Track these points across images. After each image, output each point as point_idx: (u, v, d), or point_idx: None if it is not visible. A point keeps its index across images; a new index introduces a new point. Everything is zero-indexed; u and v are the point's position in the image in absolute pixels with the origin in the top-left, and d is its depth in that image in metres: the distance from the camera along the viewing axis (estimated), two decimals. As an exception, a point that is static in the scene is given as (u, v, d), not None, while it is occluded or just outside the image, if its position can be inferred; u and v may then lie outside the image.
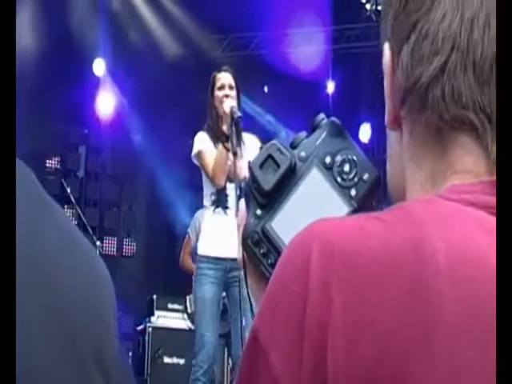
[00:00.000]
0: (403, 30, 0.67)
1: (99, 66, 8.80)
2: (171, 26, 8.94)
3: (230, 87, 4.19)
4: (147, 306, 6.68)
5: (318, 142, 0.78)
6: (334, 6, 8.54)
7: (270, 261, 0.77)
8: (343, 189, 0.76)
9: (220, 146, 4.12)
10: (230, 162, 4.07)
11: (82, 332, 0.56)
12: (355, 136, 8.74)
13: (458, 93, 0.63)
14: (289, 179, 0.77)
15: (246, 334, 3.93)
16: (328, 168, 0.77)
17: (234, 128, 4.00)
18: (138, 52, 8.57)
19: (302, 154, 0.77)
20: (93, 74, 8.79)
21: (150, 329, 6.42)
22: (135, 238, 9.19)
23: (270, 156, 0.77)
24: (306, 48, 8.88)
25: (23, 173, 0.59)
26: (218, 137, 4.16)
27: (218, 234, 4.18)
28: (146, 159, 8.83)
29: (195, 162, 4.28)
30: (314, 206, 0.76)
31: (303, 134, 0.79)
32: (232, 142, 3.98)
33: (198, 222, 5.51)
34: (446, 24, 0.64)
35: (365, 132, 9.00)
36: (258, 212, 0.77)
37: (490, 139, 0.63)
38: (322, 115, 0.80)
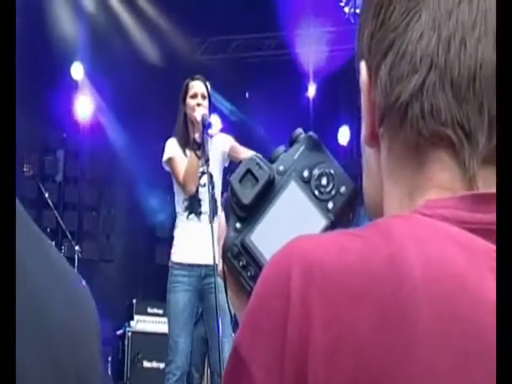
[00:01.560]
0: (380, 49, 0.68)
1: (77, 70, 8.77)
2: (150, 29, 8.93)
3: (203, 96, 4.21)
4: (126, 311, 6.66)
5: (296, 156, 0.79)
6: (314, 9, 8.57)
7: (249, 273, 0.78)
8: (321, 202, 0.77)
9: (192, 153, 4.14)
10: (201, 169, 4.10)
11: (66, 352, 0.57)
12: (334, 139, 8.78)
13: (436, 110, 0.64)
14: (267, 193, 0.78)
15: (225, 340, 3.94)
16: (306, 181, 0.78)
17: (206, 135, 4.03)
18: (116, 55, 8.55)
19: (281, 167, 0.79)
20: (71, 77, 8.76)
21: (130, 333, 6.41)
22: (114, 242, 9.15)
23: (248, 170, 0.78)
24: (286, 50, 8.91)
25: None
26: (188, 144, 4.18)
27: (191, 240, 4.17)
28: (124, 163, 8.81)
29: (166, 167, 4.29)
30: (292, 218, 0.78)
31: (282, 148, 0.81)
32: (204, 149, 4.01)
33: None
34: (424, 43, 0.65)
35: (343, 135, 9.04)
36: (238, 225, 0.79)
37: (467, 155, 0.64)
38: (299, 130, 0.81)
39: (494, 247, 0.60)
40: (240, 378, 0.60)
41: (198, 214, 4.19)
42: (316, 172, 0.78)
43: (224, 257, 0.80)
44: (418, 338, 0.55)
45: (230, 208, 0.80)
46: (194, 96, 4.21)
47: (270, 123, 8.59)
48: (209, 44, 9.20)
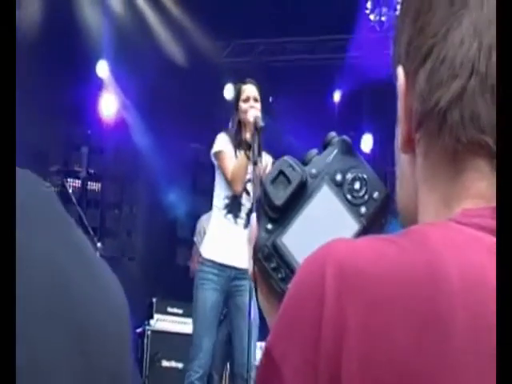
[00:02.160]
0: (419, 54, 0.67)
1: (103, 68, 8.82)
2: (175, 30, 8.95)
3: (255, 99, 4.26)
4: (146, 309, 6.67)
5: (328, 160, 0.79)
6: (340, 15, 8.54)
7: (280, 275, 0.78)
8: (353, 206, 0.77)
9: (242, 153, 4.15)
10: (249, 172, 4.11)
11: (99, 351, 0.56)
12: (357, 146, 8.75)
13: (476, 117, 0.64)
14: (300, 195, 0.78)
15: (251, 344, 3.93)
16: (338, 185, 0.78)
17: (256, 137, 4.05)
18: (141, 55, 8.59)
19: (313, 170, 0.79)
20: (96, 75, 8.81)
21: (149, 332, 6.42)
22: (136, 240, 9.19)
23: (281, 172, 0.78)
24: (310, 56, 8.89)
25: (42, 187, 0.59)
26: (239, 143, 4.21)
27: (225, 239, 4.16)
28: (147, 161, 8.84)
29: (213, 160, 4.29)
30: (323, 222, 0.78)
31: (314, 150, 0.81)
32: (254, 151, 4.03)
33: (202, 228, 5.47)
34: (465, 49, 0.64)
35: (367, 142, 9.00)
36: (269, 227, 0.79)
37: None
38: (333, 133, 0.81)
39: None
40: (272, 380, 0.60)
41: (236, 216, 4.19)
42: (349, 176, 0.78)
43: (255, 258, 0.80)
44: (454, 347, 0.55)
45: (261, 209, 0.79)
46: (247, 99, 4.26)
47: (292, 129, 8.58)
48: (233, 47, 9.21)
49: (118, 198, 9.31)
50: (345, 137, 0.80)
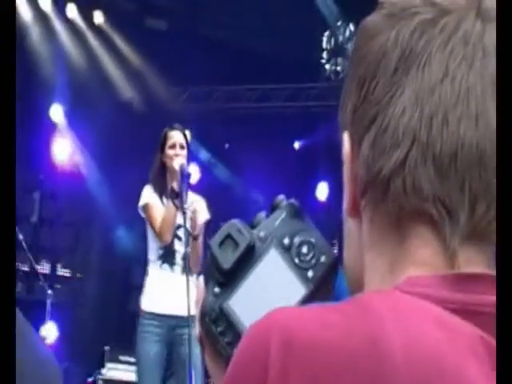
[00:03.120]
0: (363, 122, 0.68)
1: (56, 112, 8.77)
2: (131, 75, 8.97)
3: (181, 147, 4.23)
4: (98, 358, 6.55)
5: (277, 223, 0.79)
6: (296, 64, 8.68)
7: (227, 339, 0.77)
8: (301, 270, 0.77)
9: (170, 202, 4.12)
10: (178, 222, 4.09)
11: None
12: (312, 194, 8.81)
13: (418, 186, 0.65)
14: (247, 259, 0.78)
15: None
16: (286, 249, 0.78)
17: (184, 185, 4.03)
18: (96, 99, 8.58)
19: (261, 234, 0.79)
20: (49, 119, 8.75)
21: (101, 381, 6.29)
22: (88, 286, 9.05)
23: (229, 235, 0.78)
24: (266, 104, 8.98)
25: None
26: (164, 192, 4.18)
27: (163, 289, 4.14)
28: (101, 206, 8.77)
29: (141, 213, 4.27)
30: (271, 286, 0.77)
31: (262, 214, 0.81)
32: (181, 198, 4.01)
33: None
34: (406, 119, 0.65)
35: (322, 190, 9.08)
36: (217, 290, 0.78)
37: (448, 232, 0.64)
38: (281, 196, 0.81)
39: (474, 329, 0.60)
40: None
41: (171, 264, 4.17)
42: (297, 240, 0.78)
43: (202, 321, 0.79)
44: None
45: (209, 272, 0.79)
46: (173, 146, 4.22)
47: (248, 175, 8.62)
48: (190, 93, 9.26)
49: (70, 244, 9.18)
50: (292, 200, 0.81)
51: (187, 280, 3.83)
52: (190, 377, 3.87)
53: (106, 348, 6.53)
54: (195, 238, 4.07)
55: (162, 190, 4.20)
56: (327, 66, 8.97)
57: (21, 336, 0.62)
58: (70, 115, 8.71)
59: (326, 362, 0.58)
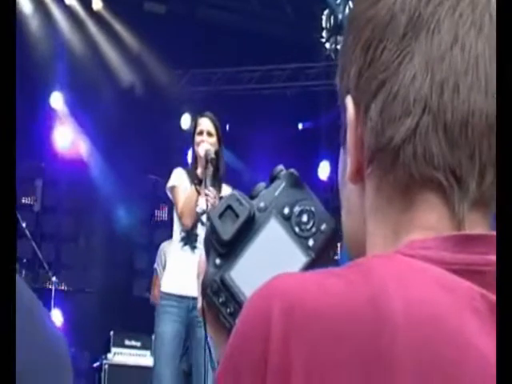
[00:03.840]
0: (370, 87, 0.67)
1: (57, 99, 8.76)
2: (131, 61, 8.95)
3: (209, 134, 4.28)
4: (104, 343, 6.58)
5: (276, 193, 0.79)
6: (296, 44, 8.65)
7: (228, 310, 0.77)
8: (301, 239, 0.77)
9: (192, 187, 4.19)
10: (203, 205, 4.14)
11: None
12: (314, 174, 8.81)
13: (429, 153, 0.64)
14: (248, 229, 0.78)
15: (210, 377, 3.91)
16: (286, 218, 0.78)
17: (209, 170, 4.09)
18: (97, 85, 8.56)
19: (261, 204, 0.78)
20: (50, 106, 8.74)
21: (107, 366, 6.32)
22: (92, 273, 9.08)
23: (229, 206, 0.78)
24: (268, 85, 8.96)
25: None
26: (193, 178, 4.25)
27: (183, 271, 4.17)
28: (103, 193, 8.78)
29: (168, 194, 4.35)
30: (272, 255, 0.77)
31: (262, 184, 0.81)
32: (205, 183, 4.08)
33: (163, 256, 5.49)
34: (417, 86, 0.64)
35: (324, 170, 9.07)
36: (217, 261, 0.78)
37: (457, 200, 0.64)
38: (280, 166, 0.81)
39: (476, 288, 0.60)
40: None
41: (193, 247, 4.22)
42: (297, 209, 0.78)
43: (203, 293, 0.79)
44: (399, 382, 0.55)
45: (209, 244, 0.79)
46: (200, 133, 4.29)
47: (249, 156, 8.61)
48: (190, 76, 9.24)
49: (73, 231, 9.20)
50: (292, 170, 0.81)
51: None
52: (205, 357, 3.90)
53: (111, 333, 6.56)
54: None
55: (191, 175, 4.27)
56: (327, 45, 8.94)
57: (29, 311, 0.62)
58: (71, 102, 8.71)
59: (328, 327, 0.57)
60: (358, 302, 0.58)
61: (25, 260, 7.76)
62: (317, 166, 9.01)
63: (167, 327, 4.12)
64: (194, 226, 4.22)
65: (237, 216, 0.77)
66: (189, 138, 4.53)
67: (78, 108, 8.60)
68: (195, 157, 4.28)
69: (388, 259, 0.62)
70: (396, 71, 0.65)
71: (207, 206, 4.06)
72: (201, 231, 4.21)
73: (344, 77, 0.71)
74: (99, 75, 8.68)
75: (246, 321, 0.62)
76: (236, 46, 8.48)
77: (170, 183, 4.33)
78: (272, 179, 0.80)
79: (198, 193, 4.14)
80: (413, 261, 0.61)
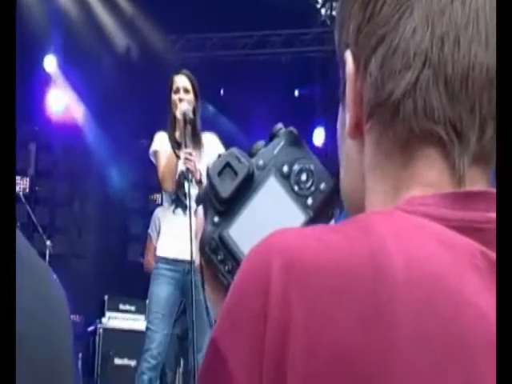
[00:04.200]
0: (370, 42, 0.66)
1: (50, 63, 8.69)
2: (125, 24, 8.87)
3: (185, 90, 4.14)
4: (98, 307, 6.61)
5: (275, 151, 0.79)
6: (291, 10, 8.57)
7: (227, 267, 0.77)
8: (300, 197, 0.77)
9: (170, 150, 4.10)
10: (181, 166, 4.06)
11: (36, 343, 0.57)
12: (309, 140, 8.79)
13: (429, 107, 0.64)
14: (246, 187, 0.77)
15: (206, 338, 3.93)
16: (285, 177, 0.78)
17: (187, 131, 3.99)
18: (90, 49, 8.49)
19: (260, 162, 0.78)
20: (44, 70, 8.67)
21: (101, 330, 6.36)
22: (86, 237, 9.09)
23: (228, 164, 0.78)
24: (262, 50, 8.90)
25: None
26: (172, 141, 4.16)
27: (176, 234, 4.14)
28: (97, 157, 8.75)
29: (152, 159, 4.28)
30: (270, 213, 0.77)
31: (261, 142, 0.80)
32: (185, 145, 3.98)
33: (157, 221, 5.50)
34: (417, 39, 0.64)
35: (318, 136, 9.06)
36: (216, 219, 0.78)
37: (457, 155, 0.64)
38: (280, 125, 0.81)
39: (476, 245, 0.60)
40: (218, 372, 0.59)
41: (184, 208, 4.16)
42: (296, 167, 0.78)
43: (202, 251, 0.79)
44: (398, 338, 0.55)
45: (208, 201, 0.79)
46: (177, 91, 4.14)
47: (243, 122, 8.58)
48: (185, 41, 9.16)
49: (67, 196, 9.19)
50: (291, 128, 0.80)
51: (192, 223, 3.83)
52: (194, 320, 3.90)
53: (106, 297, 6.59)
54: (200, 182, 4.04)
55: (171, 138, 4.17)
56: (322, 11, 8.85)
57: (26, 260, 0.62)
58: (65, 66, 8.63)
59: (328, 282, 0.57)
60: (358, 259, 0.58)
61: (19, 224, 7.77)
62: (311, 132, 8.99)
63: (162, 289, 4.11)
64: (181, 187, 4.13)
65: (235, 174, 0.77)
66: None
67: (71, 71, 8.52)
68: (172, 119, 4.15)
69: (388, 216, 0.62)
70: (396, 26, 0.65)
71: (187, 169, 3.96)
72: (192, 191, 4.15)
73: (343, 32, 0.71)
74: (93, 39, 8.60)
75: (244, 277, 0.61)
76: (231, 11, 8.39)
77: (152, 148, 4.23)
78: (271, 137, 0.80)
79: (178, 157, 4.04)
80: (412, 217, 0.61)
